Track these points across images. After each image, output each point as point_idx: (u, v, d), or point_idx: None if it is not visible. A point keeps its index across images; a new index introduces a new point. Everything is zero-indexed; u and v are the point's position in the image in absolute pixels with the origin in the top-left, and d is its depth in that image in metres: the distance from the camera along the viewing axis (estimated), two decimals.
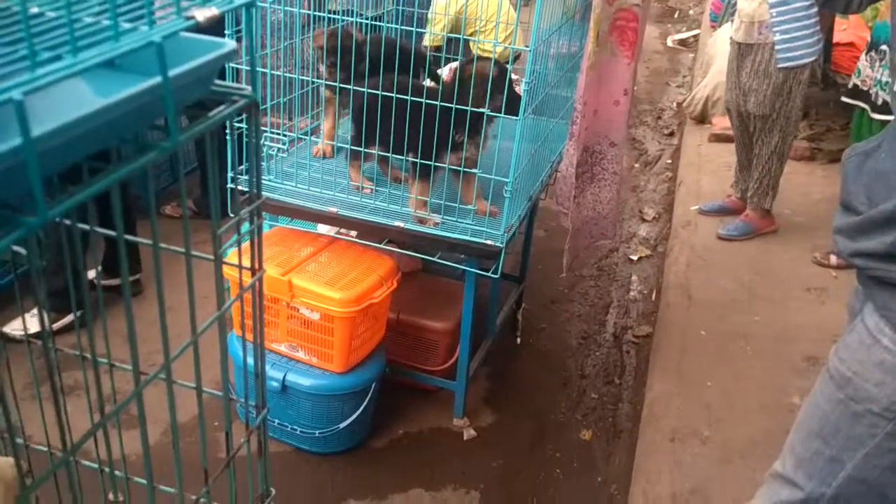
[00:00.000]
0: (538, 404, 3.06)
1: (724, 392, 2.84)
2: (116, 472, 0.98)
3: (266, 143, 2.60)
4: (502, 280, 3.18)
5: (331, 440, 2.66)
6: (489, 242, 2.39)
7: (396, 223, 2.47)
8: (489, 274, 2.49)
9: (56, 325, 2.94)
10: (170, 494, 0.90)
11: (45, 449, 1.08)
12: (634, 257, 4.23)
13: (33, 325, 3.03)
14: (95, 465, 1.02)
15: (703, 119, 5.68)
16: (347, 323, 2.47)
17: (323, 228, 2.78)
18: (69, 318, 2.95)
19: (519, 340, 3.43)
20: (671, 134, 6.06)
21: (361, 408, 2.63)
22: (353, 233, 2.71)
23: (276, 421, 2.64)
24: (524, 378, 3.21)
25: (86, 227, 0.81)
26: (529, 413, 3.00)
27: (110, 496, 2.25)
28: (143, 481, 0.92)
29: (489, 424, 2.93)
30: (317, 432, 2.61)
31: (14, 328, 2.94)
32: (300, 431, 2.62)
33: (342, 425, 2.61)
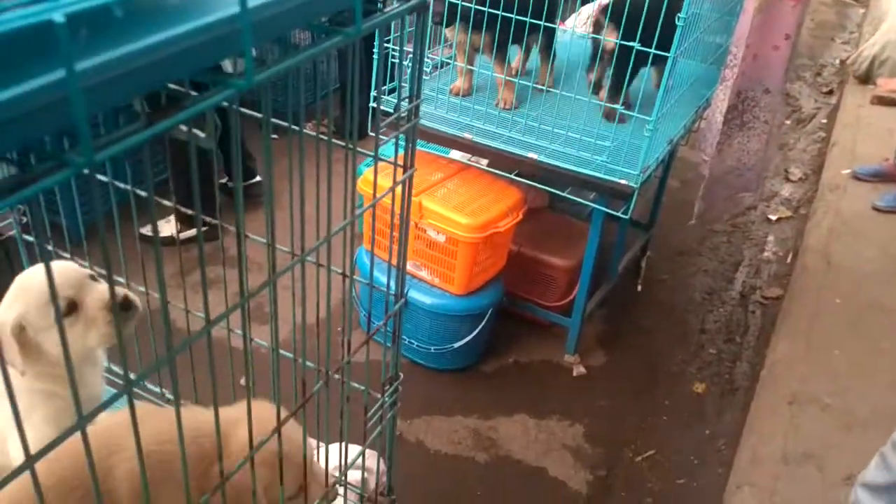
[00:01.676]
0: (652, 352, 3.03)
1: (854, 363, 2.71)
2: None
3: (407, 63, 2.64)
4: (630, 225, 3.13)
5: (444, 358, 2.75)
6: (623, 182, 2.35)
7: (530, 154, 2.47)
8: (619, 214, 2.46)
9: (184, 235, 3.19)
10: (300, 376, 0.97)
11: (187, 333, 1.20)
12: (773, 217, 4.03)
13: (166, 230, 3.29)
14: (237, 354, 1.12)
15: (867, 79, 5.25)
16: (471, 248, 2.52)
17: (455, 155, 2.82)
18: (192, 231, 3.19)
19: (640, 288, 3.38)
20: (829, 92, 5.64)
21: (476, 331, 2.70)
22: (485, 161, 2.74)
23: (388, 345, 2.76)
24: (641, 325, 3.18)
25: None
26: (642, 360, 2.98)
27: (241, 381, 2.44)
28: (290, 354, 1.01)
29: (600, 365, 2.94)
30: (432, 348, 2.71)
31: (149, 231, 3.20)
32: (416, 346, 2.73)
33: (456, 345, 2.70)
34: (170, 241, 3.18)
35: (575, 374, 2.88)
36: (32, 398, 1.11)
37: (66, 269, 1.08)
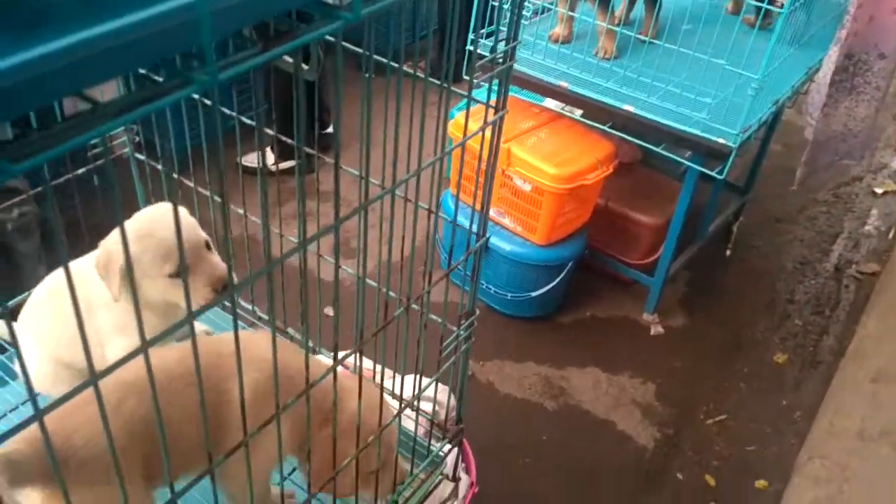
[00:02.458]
0: (735, 318, 2.97)
1: None
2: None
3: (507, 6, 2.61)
4: (724, 187, 3.05)
5: (521, 305, 2.79)
6: (721, 141, 2.29)
7: (626, 107, 2.42)
8: (714, 174, 2.40)
9: (281, 166, 3.29)
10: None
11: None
12: (879, 190, 3.83)
13: (267, 160, 3.38)
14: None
15: None
16: (556, 199, 2.52)
17: (549, 103, 2.79)
18: (290, 163, 3.29)
19: (729, 253, 3.30)
20: None
21: (555, 282, 2.71)
22: (578, 111, 2.70)
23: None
24: (726, 291, 3.11)
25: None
26: (723, 325, 2.93)
27: (325, 310, 2.53)
28: (374, 283, 1.06)
29: (679, 326, 2.91)
30: (509, 295, 2.74)
31: (248, 161, 3.32)
32: (494, 291, 2.77)
33: (534, 294, 2.72)
34: (266, 172, 3.30)
35: (652, 333, 2.86)
36: (127, 319, 1.20)
37: (190, 230, 1.13)
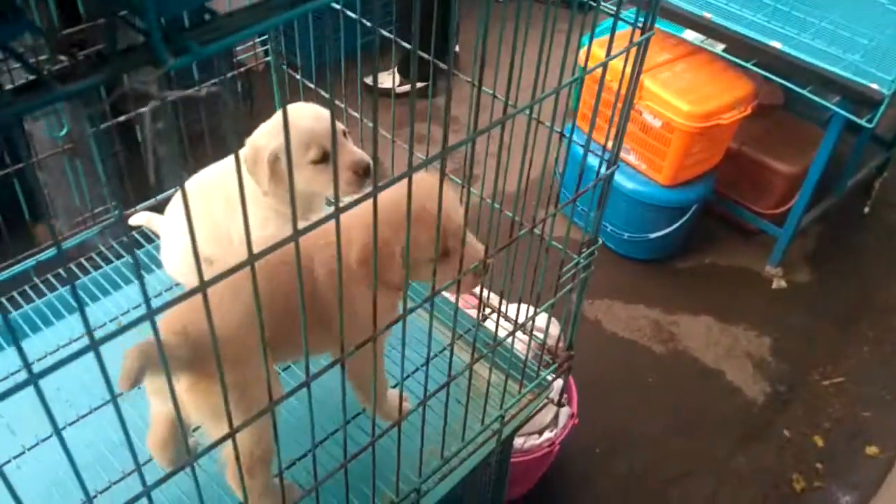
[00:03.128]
0: (866, 279, 2.80)
1: None
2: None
3: None
4: (871, 139, 2.83)
5: (637, 246, 2.73)
6: (873, 87, 2.12)
7: (773, 43, 2.27)
8: (862, 122, 2.23)
9: (400, 89, 3.31)
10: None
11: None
12: None
13: (387, 82, 3.42)
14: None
15: None
16: (687, 137, 2.42)
17: (689, 35, 2.65)
18: (407, 86, 3.30)
19: (867, 210, 3.09)
20: None
21: (676, 225, 2.63)
22: (720, 46, 2.56)
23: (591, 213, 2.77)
24: (859, 249, 2.93)
25: None
26: (853, 285, 2.78)
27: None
28: (497, 205, 1.06)
29: (804, 282, 2.78)
30: (626, 235, 2.69)
31: (371, 82, 3.36)
32: (610, 230, 2.72)
33: (652, 235, 2.66)
34: (386, 94, 3.34)
35: (774, 286, 2.74)
36: (268, 213, 1.26)
37: (327, 120, 1.18)
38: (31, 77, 0.40)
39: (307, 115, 1.18)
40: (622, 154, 2.65)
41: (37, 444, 1.13)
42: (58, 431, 0.52)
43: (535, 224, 0.91)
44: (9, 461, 1.12)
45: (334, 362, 0.72)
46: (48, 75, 0.39)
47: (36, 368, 0.45)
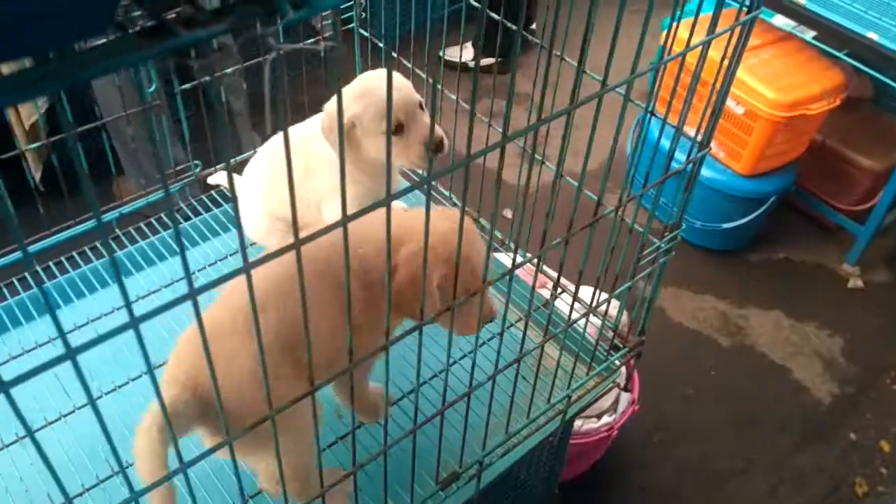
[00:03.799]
0: None
1: None
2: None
3: None
4: None
5: (710, 236, 2.66)
6: None
7: (869, 34, 2.17)
8: None
9: (484, 62, 3.28)
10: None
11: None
12: None
13: (464, 55, 3.39)
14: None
15: None
16: (770, 126, 2.34)
17: (779, 21, 2.55)
18: (489, 60, 3.27)
19: None
20: None
21: (751, 216, 2.55)
22: (811, 33, 2.45)
23: (663, 200, 2.70)
24: None
25: None
26: None
27: (504, 212, 2.55)
28: (575, 182, 1.04)
29: (882, 282, 2.67)
30: (698, 223, 2.63)
31: (450, 55, 3.33)
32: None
33: (726, 226, 2.59)
34: (464, 68, 3.32)
35: (850, 285, 2.65)
36: (348, 179, 1.28)
37: (405, 91, 1.17)
38: (154, 22, 0.41)
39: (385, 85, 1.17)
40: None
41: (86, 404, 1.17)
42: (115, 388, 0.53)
43: (620, 205, 0.89)
44: (56, 420, 1.16)
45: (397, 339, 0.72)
46: (173, 20, 0.39)
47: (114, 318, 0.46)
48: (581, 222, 0.86)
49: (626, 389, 1.26)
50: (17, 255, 1.26)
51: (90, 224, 1.35)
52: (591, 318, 1.08)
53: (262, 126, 2.51)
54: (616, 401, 1.91)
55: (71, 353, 0.44)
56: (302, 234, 0.53)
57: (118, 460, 0.55)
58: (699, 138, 0.95)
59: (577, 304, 1.21)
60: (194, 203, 1.58)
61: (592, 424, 1.84)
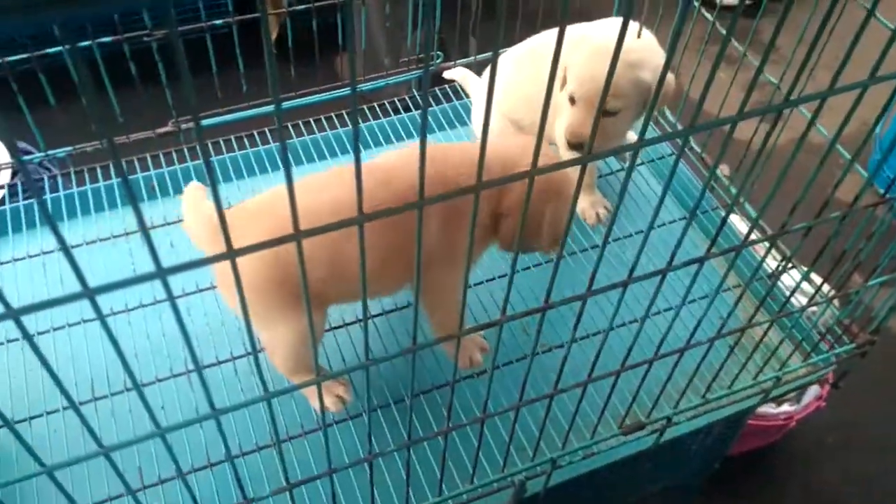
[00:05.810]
0: None
1: None
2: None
3: None
4: None
5: None
6: None
7: None
8: None
9: (727, 1, 3.01)
10: None
11: None
12: None
13: None
14: None
15: None
16: None
17: None
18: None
19: None
20: None
21: None
22: None
23: None
24: None
25: None
26: None
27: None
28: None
29: None
30: None
31: None
32: None
33: None
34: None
35: None
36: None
37: (632, 60, 1.12)
38: None
39: (605, 48, 1.11)
40: None
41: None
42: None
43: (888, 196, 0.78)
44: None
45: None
46: None
47: None
48: (817, 198, 0.74)
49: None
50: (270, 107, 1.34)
51: (343, 91, 1.40)
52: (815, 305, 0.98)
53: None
54: (801, 391, 1.78)
55: None
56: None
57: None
58: None
59: (808, 288, 1.11)
60: (416, 96, 1.59)
61: (771, 409, 1.73)
